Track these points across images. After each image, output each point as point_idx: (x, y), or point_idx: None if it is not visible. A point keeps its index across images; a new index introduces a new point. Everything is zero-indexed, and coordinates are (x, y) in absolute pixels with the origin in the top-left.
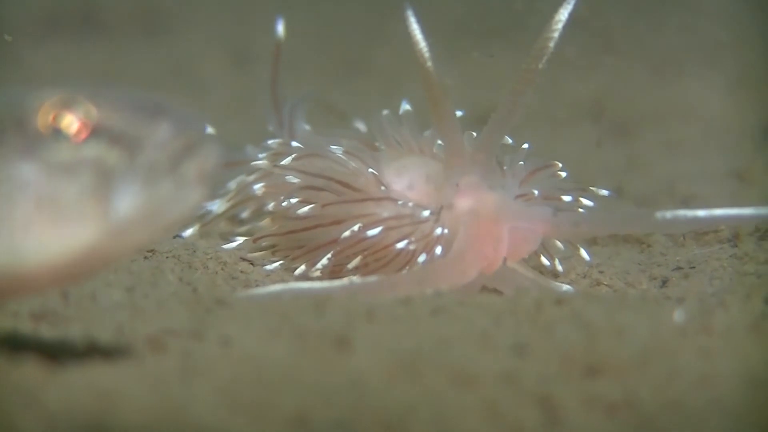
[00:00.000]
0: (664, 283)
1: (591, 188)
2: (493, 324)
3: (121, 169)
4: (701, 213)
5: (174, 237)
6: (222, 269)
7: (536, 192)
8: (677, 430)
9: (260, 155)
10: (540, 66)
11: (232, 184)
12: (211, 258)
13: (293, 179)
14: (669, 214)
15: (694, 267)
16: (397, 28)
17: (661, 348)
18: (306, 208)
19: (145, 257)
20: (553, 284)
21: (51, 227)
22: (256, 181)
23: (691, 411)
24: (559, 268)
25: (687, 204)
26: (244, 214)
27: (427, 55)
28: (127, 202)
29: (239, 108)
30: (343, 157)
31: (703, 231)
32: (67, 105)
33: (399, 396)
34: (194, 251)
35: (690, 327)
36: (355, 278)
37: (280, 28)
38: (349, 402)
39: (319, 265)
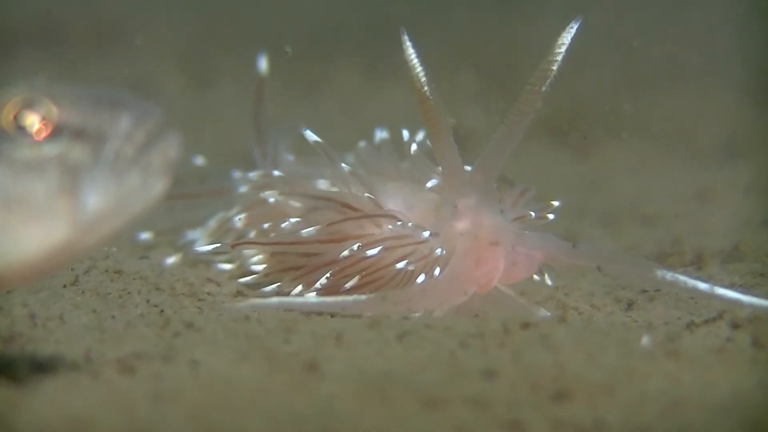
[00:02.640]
0: (630, 306)
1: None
2: (460, 347)
3: (85, 164)
4: (702, 285)
5: (141, 258)
6: (189, 290)
7: (533, 214)
8: None
9: (241, 188)
10: (543, 89)
11: (212, 221)
12: (177, 279)
13: (295, 204)
14: (670, 275)
15: (659, 290)
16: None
17: (630, 373)
18: (310, 229)
19: (112, 280)
20: (536, 310)
21: (23, 227)
22: (237, 214)
23: None
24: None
25: (649, 225)
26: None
27: (423, 80)
28: (95, 196)
29: (197, 125)
30: (336, 183)
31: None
32: (27, 104)
33: (368, 420)
34: (161, 272)
35: (657, 351)
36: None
37: (263, 63)
38: (319, 427)
39: (317, 285)
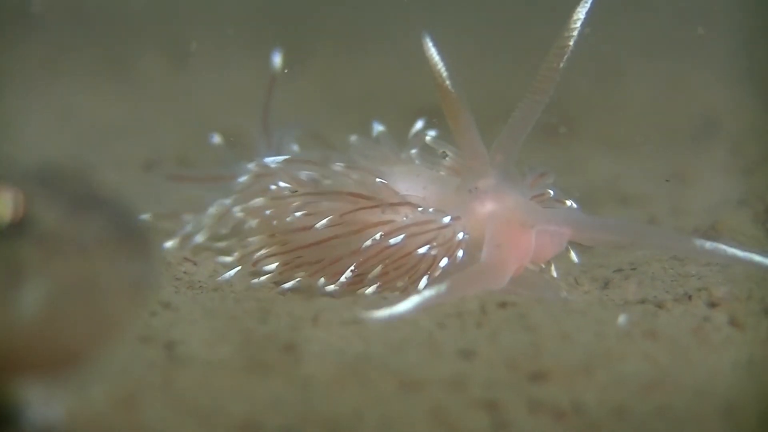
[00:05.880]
0: (606, 284)
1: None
2: (438, 327)
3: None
4: (741, 253)
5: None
6: (166, 270)
7: (551, 192)
8: None
9: (240, 178)
10: (561, 65)
11: (212, 209)
12: (157, 255)
13: (299, 193)
14: (708, 244)
15: (635, 268)
16: None
17: (606, 353)
18: (325, 220)
19: None
20: (560, 291)
21: None
22: (235, 203)
23: (637, 417)
24: (554, 273)
25: (626, 204)
26: (224, 231)
27: (444, 72)
28: (31, 305)
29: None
30: (344, 170)
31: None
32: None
33: (346, 401)
34: None
35: (634, 331)
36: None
37: (277, 59)
38: (297, 408)
39: (343, 278)
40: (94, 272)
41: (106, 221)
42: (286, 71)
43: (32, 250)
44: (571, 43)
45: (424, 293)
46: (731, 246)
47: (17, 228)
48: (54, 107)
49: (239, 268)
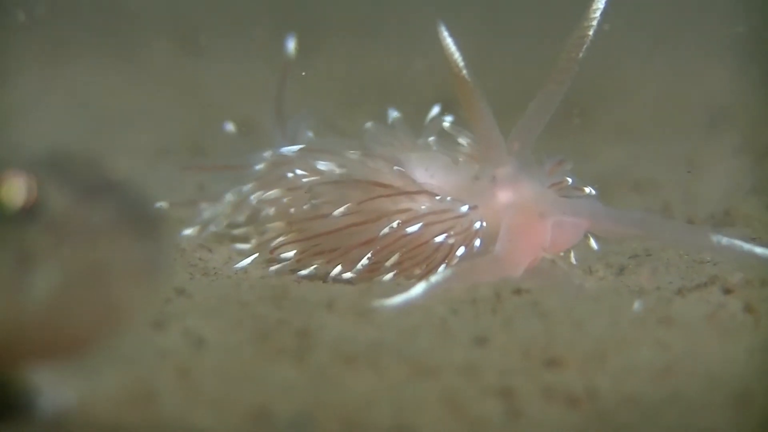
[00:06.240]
0: (621, 271)
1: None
2: (452, 314)
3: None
4: (758, 249)
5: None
6: (180, 256)
7: (569, 180)
8: (636, 424)
9: (257, 166)
10: (580, 55)
11: (229, 195)
12: (169, 242)
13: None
14: (725, 240)
15: (650, 255)
16: None
17: (621, 340)
18: (342, 208)
19: None
20: (580, 279)
21: None
22: (253, 191)
23: (650, 405)
24: (573, 261)
25: (640, 191)
26: (240, 219)
27: (460, 62)
28: (41, 291)
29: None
30: (361, 157)
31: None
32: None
33: (359, 388)
34: None
35: (648, 318)
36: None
37: (291, 45)
38: (310, 394)
39: (359, 266)
40: (104, 258)
41: (117, 207)
42: (303, 74)
43: (43, 235)
44: (591, 32)
45: (433, 279)
46: (747, 242)
47: (28, 214)
48: (65, 94)
49: (256, 255)
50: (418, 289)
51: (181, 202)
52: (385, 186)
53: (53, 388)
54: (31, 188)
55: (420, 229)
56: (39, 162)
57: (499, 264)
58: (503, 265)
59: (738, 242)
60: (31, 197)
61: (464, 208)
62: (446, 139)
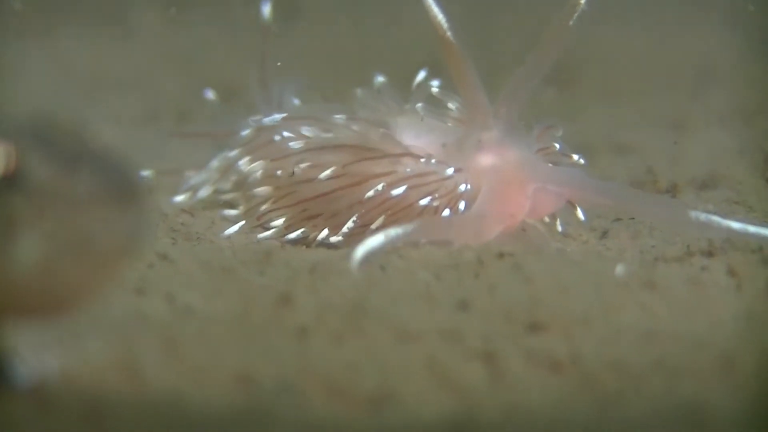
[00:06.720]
0: (605, 234)
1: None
2: (435, 279)
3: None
4: (735, 225)
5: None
6: (163, 221)
7: (557, 146)
8: (620, 390)
9: (244, 131)
10: (571, 22)
11: (215, 162)
12: (150, 210)
13: (296, 145)
14: (703, 216)
15: (633, 218)
16: None
17: (604, 304)
18: (328, 171)
19: None
20: (558, 245)
21: None
22: (240, 156)
23: (634, 370)
24: (559, 228)
25: (623, 154)
26: (226, 186)
27: (445, 25)
28: (24, 258)
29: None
30: (345, 120)
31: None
32: None
33: (342, 353)
34: None
35: (632, 282)
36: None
37: (267, 9)
38: (293, 360)
39: (345, 229)
40: (86, 226)
41: (100, 175)
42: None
43: (25, 204)
44: (584, 0)
45: (398, 229)
46: (730, 206)
47: (10, 182)
48: (50, 61)
49: (243, 222)
50: (380, 238)
51: (167, 169)
52: (370, 149)
53: (34, 354)
54: (12, 156)
55: (405, 191)
56: (22, 131)
57: (472, 224)
58: (477, 226)
59: (715, 218)
60: (13, 165)
61: (449, 171)
62: (434, 104)
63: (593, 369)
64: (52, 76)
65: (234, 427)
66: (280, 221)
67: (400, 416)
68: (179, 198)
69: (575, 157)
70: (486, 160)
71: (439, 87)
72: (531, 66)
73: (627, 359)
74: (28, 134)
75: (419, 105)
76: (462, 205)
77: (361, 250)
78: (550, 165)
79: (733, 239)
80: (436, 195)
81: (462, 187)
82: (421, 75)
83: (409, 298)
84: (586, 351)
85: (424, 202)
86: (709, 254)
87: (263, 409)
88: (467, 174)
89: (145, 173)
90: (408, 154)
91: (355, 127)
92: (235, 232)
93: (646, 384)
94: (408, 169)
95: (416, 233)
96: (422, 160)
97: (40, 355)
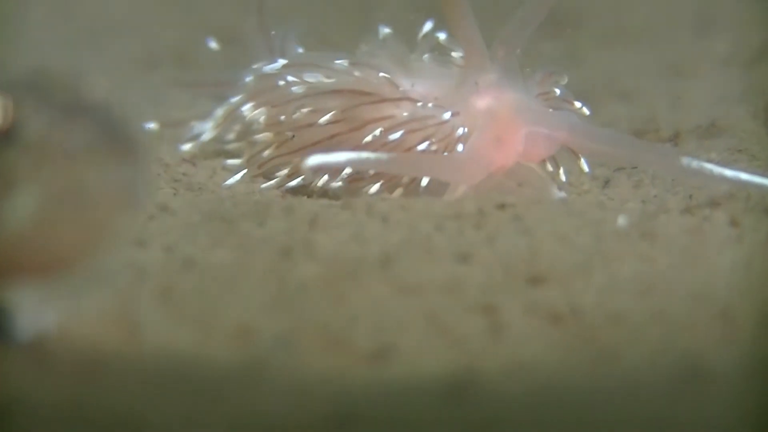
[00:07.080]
0: (606, 183)
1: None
2: (436, 230)
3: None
4: (728, 173)
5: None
6: (164, 171)
7: (558, 91)
8: (620, 342)
9: (247, 78)
10: None
11: (219, 110)
12: (152, 160)
13: (298, 90)
14: (696, 163)
15: (636, 167)
16: None
17: (605, 255)
18: (327, 116)
19: None
20: (552, 189)
21: None
22: (243, 102)
23: (634, 322)
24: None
25: (625, 101)
26: (230, 136)
27: None
28: (21, 212)
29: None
30: (347, 66)
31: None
32: None
33: (341, 306)
34: None
35: (633, 232)
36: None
37: None
38: (291, 313)
39: (343, 174)
40: (84, 179)
41: (97, 127)
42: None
43: (21, 157)
44: None
45: (363, 154)
46: (732, 155)
47: (5, 135)
48: (47, 7)
49: (245, 171)
50: (343, 155)
51: (172, 120)
52: (368, 94)
53: (33, 309)
54: (8, 109)
55: (402, 136)
56: (17, 83)
57: (459, 165)
58: (464, 167)
59: (708, 166)
60: (9, 118)
61: (446, 115)
62: (441, 53)
63: (593, 321)
64: (50, 22)
65: (232, 380)
66: (282, 172)
67: (400, 369)
68: (185, 147)
69: (577, 104)
70: (482, 102)
71: (447, 37)
72: (529, 8)
73: (627, 312)
74: (23, 86)
75: (426, 57)
76: (460, 149)
77: (321, 158)
78: (547, 109)
79: (735, 189)
80: (434, 139)
81: (459, 131)
82: (428, 26)
83: (409, 250)
84: (585, 303)
85: (421, 146)
86: (712, 204)
87: (262, 362)
88: (464, 117)
89: (150, 125)
90: (406, 98)
91: (356, 73)
92: (237, 181)
93: (645, 337)
94: (405, 114)
95: (390, 165)
96: (419, 104)
97: (38, 310)
